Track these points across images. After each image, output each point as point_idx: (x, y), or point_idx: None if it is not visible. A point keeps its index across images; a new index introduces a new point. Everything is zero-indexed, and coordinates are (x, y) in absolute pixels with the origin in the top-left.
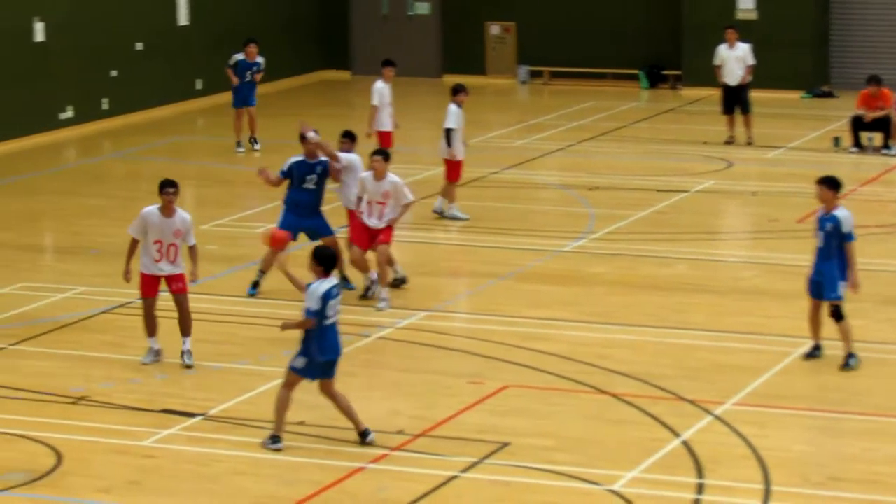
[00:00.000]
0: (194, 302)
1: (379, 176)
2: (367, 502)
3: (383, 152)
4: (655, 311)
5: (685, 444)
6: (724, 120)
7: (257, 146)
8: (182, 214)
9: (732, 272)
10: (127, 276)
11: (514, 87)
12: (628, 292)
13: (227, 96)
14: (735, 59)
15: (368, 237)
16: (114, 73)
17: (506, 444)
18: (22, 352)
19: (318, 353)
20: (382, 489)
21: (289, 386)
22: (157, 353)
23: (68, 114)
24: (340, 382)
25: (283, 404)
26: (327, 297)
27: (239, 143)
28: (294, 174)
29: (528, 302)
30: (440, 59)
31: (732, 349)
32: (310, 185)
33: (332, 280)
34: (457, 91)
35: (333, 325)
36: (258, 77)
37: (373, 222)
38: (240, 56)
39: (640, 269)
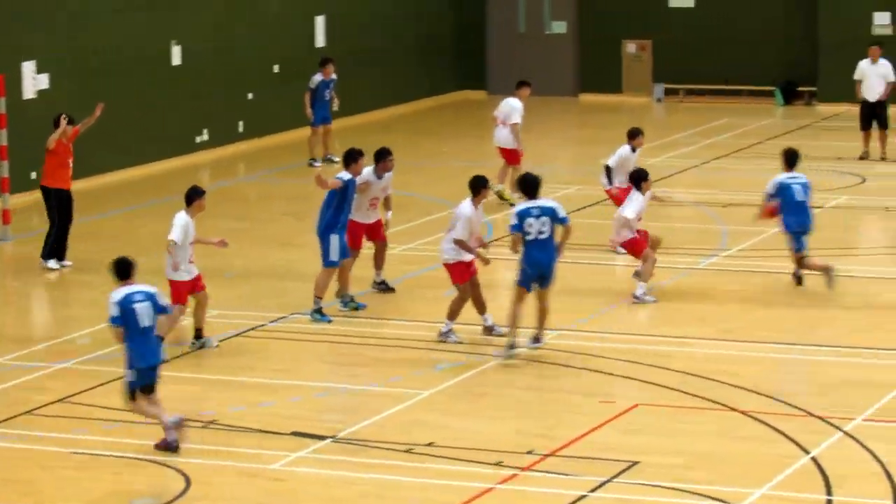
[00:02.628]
0: (329, 325)
1: None
2: None
3: None
4: (787, 328)
5: (814, 460)
6: (860, 136)
7: (336, 158)
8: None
9: (865, 288)
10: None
11: (650, 105)
12: (760, 309)
13: (363, 118)
14: (877, 75)
15: None
16: (250, 95)
17: (635, 463)
18: None
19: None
20: None
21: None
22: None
23: (204, 137)
24: (468, 402)
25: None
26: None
27: (315, 159)
28: None
29: (660, 319)
30: (576, 78)
31: (863, 365)
32: None
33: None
34: (633, 135)
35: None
36: (334, 96)
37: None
38: (318, 77)
39: (773, 285)
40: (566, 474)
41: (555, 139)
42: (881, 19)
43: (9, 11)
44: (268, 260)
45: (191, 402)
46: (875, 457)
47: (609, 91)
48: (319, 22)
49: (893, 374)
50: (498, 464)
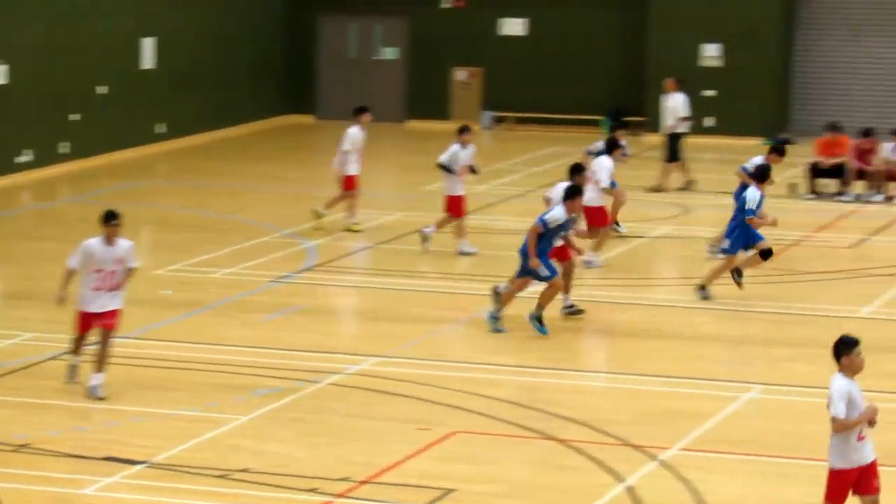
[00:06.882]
0: (146, 348)
1: None
2: None
3: None
4: (608, 357)
5: (629, 489)
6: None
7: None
8: (124, 243)
9: (685, 317)
10: (62, 300)
11: (478, 132)
12: (581, 338)
13: (189, 140)
14: (668, 109)
15: None
16: (75, 116)
17: (451, 491)
18: None
19: None
20: None
21: None
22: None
23: (27, 157)
24: (288, 428)
25: None
26: None
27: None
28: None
29: (484, 347)
30: (405, 104)
31: (682, 394)
32: None
33: None
34: (461, 131)
35: None
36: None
37: None
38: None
39: (595, 314)
40: (381, 501)
41: (382, 164)
42: (710, 51)
43: None
44: None
45: (1, 425)
46: (689, 486)
47: (437, 118)
48: (148, 43)
49: (713, 403)
50: (312, 490)
